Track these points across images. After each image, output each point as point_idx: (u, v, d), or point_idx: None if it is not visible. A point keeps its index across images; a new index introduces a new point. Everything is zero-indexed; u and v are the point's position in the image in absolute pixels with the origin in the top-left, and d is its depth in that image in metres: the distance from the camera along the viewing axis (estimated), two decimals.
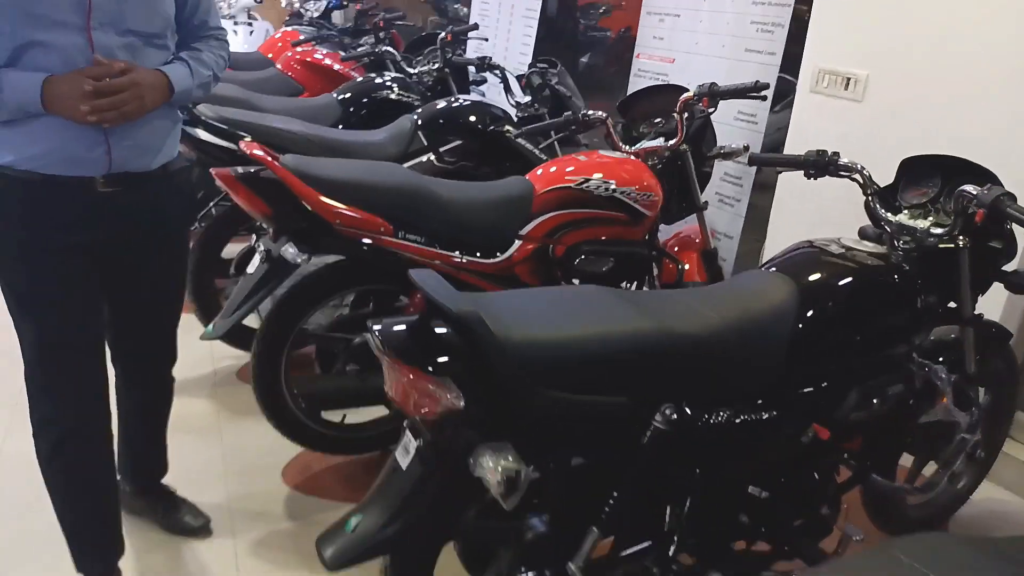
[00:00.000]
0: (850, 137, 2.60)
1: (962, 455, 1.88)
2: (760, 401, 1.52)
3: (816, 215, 2.71)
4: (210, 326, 2.17)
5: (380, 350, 1.23)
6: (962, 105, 2.32)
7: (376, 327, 1.25)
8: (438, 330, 1.22)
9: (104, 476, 1.88)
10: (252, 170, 2.04)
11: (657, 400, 1.40)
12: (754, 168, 3.02)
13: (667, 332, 1.36)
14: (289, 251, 2.06)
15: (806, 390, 1.57)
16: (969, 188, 1.63)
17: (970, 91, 2.30)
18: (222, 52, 1.86)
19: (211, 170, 2.05)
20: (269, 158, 2.04)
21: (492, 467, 1.21)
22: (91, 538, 1.89)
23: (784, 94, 3.23)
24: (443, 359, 1.19)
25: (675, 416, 1.39)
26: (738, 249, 3.19)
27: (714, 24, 3.23)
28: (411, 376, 1.21)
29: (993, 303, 2.29)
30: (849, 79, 2.59)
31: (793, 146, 2.88)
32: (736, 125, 3.12)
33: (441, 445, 1.31)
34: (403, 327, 1.24)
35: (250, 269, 2.17)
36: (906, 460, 2.01)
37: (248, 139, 2.26)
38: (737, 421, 1.50)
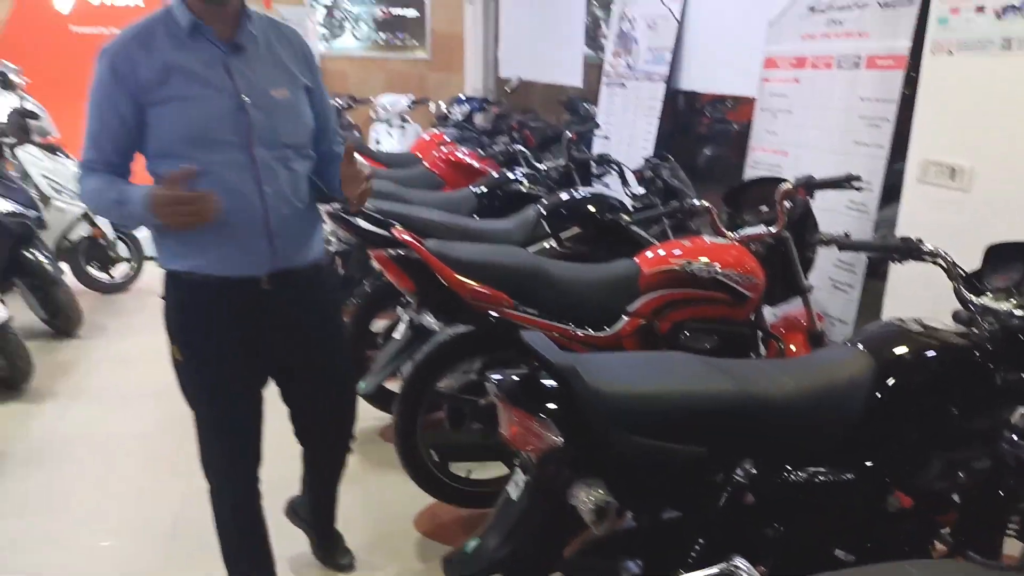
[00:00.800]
0: (957, 227, 2.66)
1: None
2: (836, 464, 1.66)
3: (929, 302, 2.74)
4: (361, 382, 2.54)
5: (495, 395, 1.52)
6: None
7: (493, 376, 1.54)
8: (542, 380, 1.49)
9: (263, 531, 2.12)
10: (401, 252, 2.44)
11: (736, 456, 1.58)
12: (864, 255, 3.11)
13: (743, 393, 1.55)
14: (429, 320, 2.43)
15: (881, 457, 1.68)
16: None
17: None
18: None
19: (369, 250, 2.47)
20: (415, 242, 2.44)
21: (585, 498, 1.44)
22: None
23: None
24: (544, 403, 1.45)
25: (754, 471, 1.56)
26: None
27: (824, 119, 3.39)
28: (519, 417, 1.48)
29: None
30: (954, 169, 2.68)
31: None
32: (848, 214, 3.24)
33: (544, 480, 1.56)
34: (514, 377, 1.52)
35: (396, 335, 2.55)
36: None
37: (398, 227, 2.69)
38: (814, 481, 1.64)
